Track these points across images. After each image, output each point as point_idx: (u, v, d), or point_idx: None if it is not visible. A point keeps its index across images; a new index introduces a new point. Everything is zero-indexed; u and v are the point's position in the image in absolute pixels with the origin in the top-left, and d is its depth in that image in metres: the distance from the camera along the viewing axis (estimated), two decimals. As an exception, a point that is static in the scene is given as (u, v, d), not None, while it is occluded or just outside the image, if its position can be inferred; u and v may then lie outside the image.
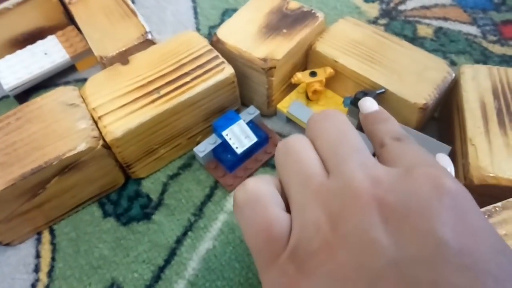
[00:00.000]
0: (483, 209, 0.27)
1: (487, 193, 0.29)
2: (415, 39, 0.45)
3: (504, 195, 0.27)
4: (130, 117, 0.31)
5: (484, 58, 0.43)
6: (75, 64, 0.44)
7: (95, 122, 0.32)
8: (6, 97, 0.44)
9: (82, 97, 0.33)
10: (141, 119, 0.31)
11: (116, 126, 0.31)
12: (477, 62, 0.42)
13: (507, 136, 0.30)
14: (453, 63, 0.42)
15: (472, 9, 0.47)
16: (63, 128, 0.31)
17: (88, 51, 0.43)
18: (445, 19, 0.46)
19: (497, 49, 0.43)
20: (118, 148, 0.32)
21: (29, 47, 0.43)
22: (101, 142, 0.31)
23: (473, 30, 0.45)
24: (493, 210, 0.26)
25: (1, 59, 0.42)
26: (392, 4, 0.48)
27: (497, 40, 0.44)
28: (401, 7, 0.48)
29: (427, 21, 0.46)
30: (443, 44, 0.44)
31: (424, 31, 0.45)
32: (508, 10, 0.47)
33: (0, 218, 0.31)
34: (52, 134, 0.31)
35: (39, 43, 0.44)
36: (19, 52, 0.43)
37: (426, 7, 0.48)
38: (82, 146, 0.30)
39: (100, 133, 0.31)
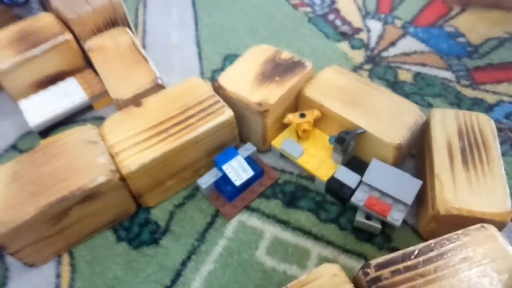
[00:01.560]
0: (446, 236, 0.31)
1: (451, 222, 0.33)
2: (396, 83, 0.50)
3: (465, 223, 0.32)
4: (143, 153, 0.36)
5: (458, 100, 0.48)
6: (92, 104, 0.49)
7: (113, 157, 0.37)
8: (29, 132, 0.49)
9: (101, 135, 0.38)
10: (153, 155, 0.36)
11: (131, 161, 0.36)
12: (451, 104, 0.47)
13: (469, 172, 0.35)
14: (429, 105, 0.47)
15: (447, 56, 0.53)
16: (84, 162, 0.36)
17: (104, 93, 0.48)
18: (423, 65, 0.52)
19: (469, 92, 0.49)
20: (132, 180, 0.36)
21: (51, 88, 0.49)
22: (117, 175, 0.36)
23: (448, 75, 0.51)
24: (454, 236, 0.31)
25: (26, 98, 0.48)
26: (376, 51, 0.54)
27: (469, 85, 0.49)
28: (384, 54, 0.53)
29: (407, 66, 0.52)
30: (421, 88, 0.49)
31: (404, 75, 0.51)
32: (479, 58, 0.52)
33: (28, 242, 0.35)
34: (75, 168, 0.36)
35: (60, 84, 0.49)
36: (42, 92, 0.48)
37: (407, 54, 0.53)
38: (101, 179, 0.35)
39: (117, 167, 0.36)
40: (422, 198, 0.38)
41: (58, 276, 0.37)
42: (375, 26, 0.57)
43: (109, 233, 0.40)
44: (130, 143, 0.37)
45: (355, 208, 0.38)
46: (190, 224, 0.40)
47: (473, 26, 0.56)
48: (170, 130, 0.38)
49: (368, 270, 0.30)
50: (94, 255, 0.38)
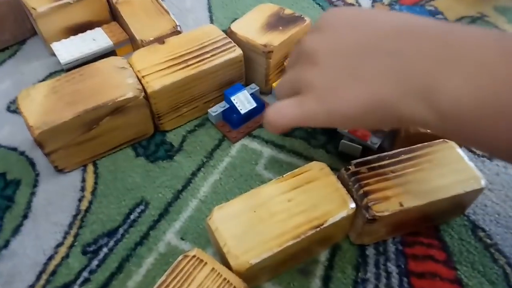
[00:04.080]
0: (414, 146, 0.38)
1: (419, 142, 0.40)
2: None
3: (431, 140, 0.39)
4: (166, 77, 0.43)
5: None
6: (116, 50, 0.55)
7: (139, 80, 0.43)
8: (57, 71, 0.55)
9: (129, 63, 0.45)
10: (173, 79, 0.43)
11: (155, 83, 0.42)
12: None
13: (436, 104, 0.42)
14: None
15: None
16: (115, 82, 0.43)
17: (127, 41, 0.55)
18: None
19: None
20: (154, 99, 0.43)
21: (80, 34, 0.55)
22: (143, 94, 0.42)
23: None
24: (421, 146, 0.38)
25: (58, 41, 0.54)
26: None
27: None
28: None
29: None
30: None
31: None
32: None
33: (61, 144, 0.41)
34: (107, 86, 0.42)
35: (88, 32, 0.56)
36: (72, 37, 0.55)
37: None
38: (130, 94, 0.41)
39: (143, 87, 0.43)
40: (396, 132, 0.44)
41: (83, 180, 0.43)
42: (365, 3, 0.65)
43: (129, 150, 0.46)
44: (154, 70, 0.44)
45: (339, 139, 0.45)
46: (200, 145, 0.46)
47: (451, 6, 0.64)
48: (189, 62, 0.44)
49: (349, 167, 0.37)
50: (116, 166, 0.44)
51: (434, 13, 0.63)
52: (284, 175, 0.36)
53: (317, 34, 0.32)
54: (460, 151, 0.37)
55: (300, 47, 0.33)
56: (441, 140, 0.38)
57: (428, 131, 0.39)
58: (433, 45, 0.26)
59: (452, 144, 0.38)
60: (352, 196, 0.35)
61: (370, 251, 0.38)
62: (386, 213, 0.33)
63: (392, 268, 0.36)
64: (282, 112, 0.32)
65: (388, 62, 0.27)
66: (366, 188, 0.35)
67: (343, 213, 0.34)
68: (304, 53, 0.32)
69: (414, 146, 0.38)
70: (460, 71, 0.24)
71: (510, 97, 0.22)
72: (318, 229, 0.33)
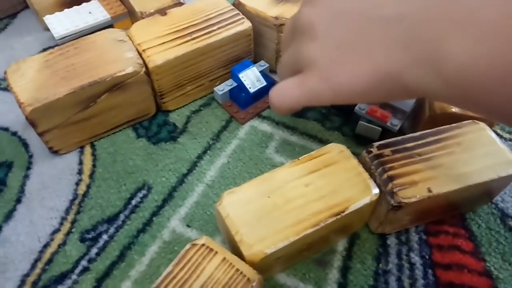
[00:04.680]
0: (442, 127, 0.35)
1: (445, 122, 0.37)
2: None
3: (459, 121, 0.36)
4: (168, 51, 0.39)
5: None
6: (113, 24, 0.52)
7: (140, 54, 0.40)
8: (51, 47, 0.51)
9: (129, 36, 0.41)
10: (177, 53, 0.39)
11: (157, 57, 0.39)
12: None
13: (463, 82, 0.39)
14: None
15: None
16: (114, 55, 0.39)
17: (125, 15, 0.51)
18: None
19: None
20: (157, 75, 0.39)
21: (75, 7, 0.51)
22: (143, 69, 0.39)
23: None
24: (449, 127, 0.35)
25: (52, 14, 0.50)
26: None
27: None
28: None
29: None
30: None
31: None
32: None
33: (57, 123, 0.38)
34: (105, 59, 0.39)
35: (84, 5, 0.52)
36: (66, 10, 0.51)
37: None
38: (129, 69, 0.38)
39: (144, 62, 0.39)
40: (418, 113, 0.41)
41: (80, 163, 0.40)
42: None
43: (129, 131, 0.43)
44: (156, 43, 0.40)
45: (355, 121, 0.42)
46: (206, 126, 0.43)
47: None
48: (193, 34, 0.41)
49: (371, 149, 0.33)
50: (115, 147, 0.41)
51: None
52: (300, 158, 0.33)
53: (311, 6, 0.30)
54: (491, 133, 0.34)
55: (294, 22, 0.31)
56: (471, 121, 0.35)
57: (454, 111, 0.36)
58: (438, 7, 0.23)
59: (483, 125, 0.35)
60: (375, 181, 0.32)
61: (392, 241, 0.35)
62: (413, 200, 0.30)
63: (416, 259, 0.34)
64: (285, 93, 0.30)
65: (391, 29, 0.25)
66: (390, 172, 0.32)
67: (366, 199, 0.31)
68: (299, 27, 0.30)
69: (441, 128, 0.35)
70: (469, 34, 0.22)
71: None
72: (338, 216, 0.30)
